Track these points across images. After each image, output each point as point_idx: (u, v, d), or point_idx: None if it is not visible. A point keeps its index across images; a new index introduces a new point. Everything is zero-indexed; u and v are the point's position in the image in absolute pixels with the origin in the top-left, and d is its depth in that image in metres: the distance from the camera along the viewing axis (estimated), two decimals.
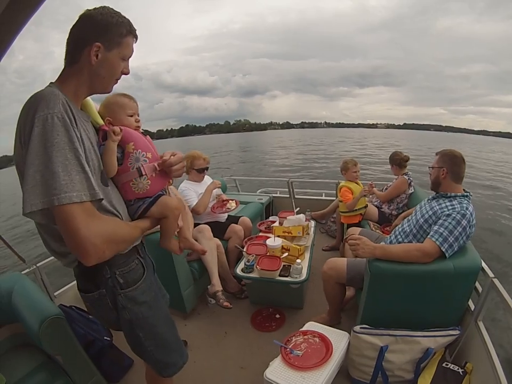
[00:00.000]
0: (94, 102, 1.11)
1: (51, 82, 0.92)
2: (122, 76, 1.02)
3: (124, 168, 1.05)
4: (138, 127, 1.14)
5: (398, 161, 3.06)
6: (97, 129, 1.05)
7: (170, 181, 1.21)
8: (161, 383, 1.34)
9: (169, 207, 1.11)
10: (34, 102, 0.78)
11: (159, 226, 1.18)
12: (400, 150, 3.20)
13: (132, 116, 1.12)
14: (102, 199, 0.86)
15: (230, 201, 2.93)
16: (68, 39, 0.92)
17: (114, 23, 0.92)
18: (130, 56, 1.00)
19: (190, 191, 2.69)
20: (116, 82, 1.02)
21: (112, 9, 0.94)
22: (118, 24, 0.92)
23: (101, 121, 1.07)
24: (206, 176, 2.94)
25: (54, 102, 0.78)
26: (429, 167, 1.85)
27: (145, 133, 1.16)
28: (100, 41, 0.90)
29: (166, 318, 1.21)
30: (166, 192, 1.18)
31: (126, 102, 1.12)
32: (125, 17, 0.95)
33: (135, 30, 0.98)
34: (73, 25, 0.91)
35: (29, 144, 0.75)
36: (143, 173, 1.05)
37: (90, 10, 0.91)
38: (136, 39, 1.00)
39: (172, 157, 1.08)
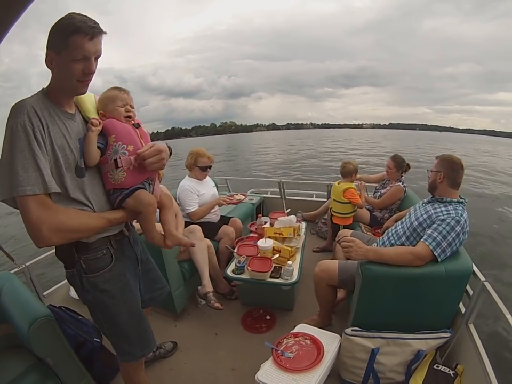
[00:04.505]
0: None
1: (43, 88, 1.05)
2: (96, 74, 1.06)
3: (104, 159, 1.13)
4: (129, 116, 1.19)
5: (402, 165, 3.03)
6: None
7: (160, 174, 1.27)
8: (134, 377, 1.43)
9: (143, 202, 1.16)
10: (10, 113, 0.95)
11: None
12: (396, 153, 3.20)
13: (122, 107, 1.18)
14: (59, 192, 0.99)
15: (235, 195, 2.95)
16: None
17: (59, 25, 0.95)
18: (86, 56, 0.99)
19: (193, 194, 2.63)
20: (83, 83, 1.05)
21: (72, 13, 0.97)
22: (62, 26, 0.95)
23: (91, 116, 1.15)
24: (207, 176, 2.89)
25: (20, 112, 0.93)
26: (428, 170, 1.86)
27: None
28: (50, 49, 0.97)
29: (130, 311, 1.25)
30: (150, 185, 1.22)
31: (116, 93, 1.18)
32: (78, 17, 0.95)
33: (90, 26, 0.96)
34: None
35: (3, 147, 0.93)
36: (119, 165, 1.11)
37: None
38: (91, 35, 0.97)
39: (150, 149, 1.12)
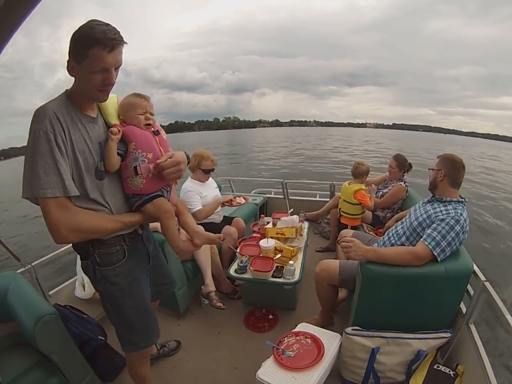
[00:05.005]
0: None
1: (66, 90, 1.08)
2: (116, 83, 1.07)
3: (124, 165, 1.17)
4: (149, 124, 1.22)
5: (404, 165, 3.02)
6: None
7: (177, 181, 1.30)
8: (138, 369, 1.48)
9: (161, 209, 1.20)
10: (33, 117, 0.98)
11: (156, 225, 1.28)
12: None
13: (142, 114, 1.20)
14: (78, 195, 1.04)
15: (237, 198, 2.95)
16: None
17: (79, 35, 0.96)
18: (105, 67, 0.99)
19: (196, 194, 2.65)
20: (104, 92, 1.08)
21: (95, 20, 0.97)
22: (82, 37, 0.95)
23: (112, 121, 1.19)
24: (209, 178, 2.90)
25: (42, 118, 0.97)
26: (429, 169, 1.87)
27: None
28: (71, 57, 0.99)
29: (137, 305, 1.29)
30: (168, 192, 1.26)
31: (137, 101, 1.20)
32: (98, 27, 0.94)
33: (109, 38, 0.95)
34: None
35: (26, 150, 0.98)
36: (139, 172, 1.16)
37: None
38: (111, 47, 0.97)
39: (168, 159, 1.16)
